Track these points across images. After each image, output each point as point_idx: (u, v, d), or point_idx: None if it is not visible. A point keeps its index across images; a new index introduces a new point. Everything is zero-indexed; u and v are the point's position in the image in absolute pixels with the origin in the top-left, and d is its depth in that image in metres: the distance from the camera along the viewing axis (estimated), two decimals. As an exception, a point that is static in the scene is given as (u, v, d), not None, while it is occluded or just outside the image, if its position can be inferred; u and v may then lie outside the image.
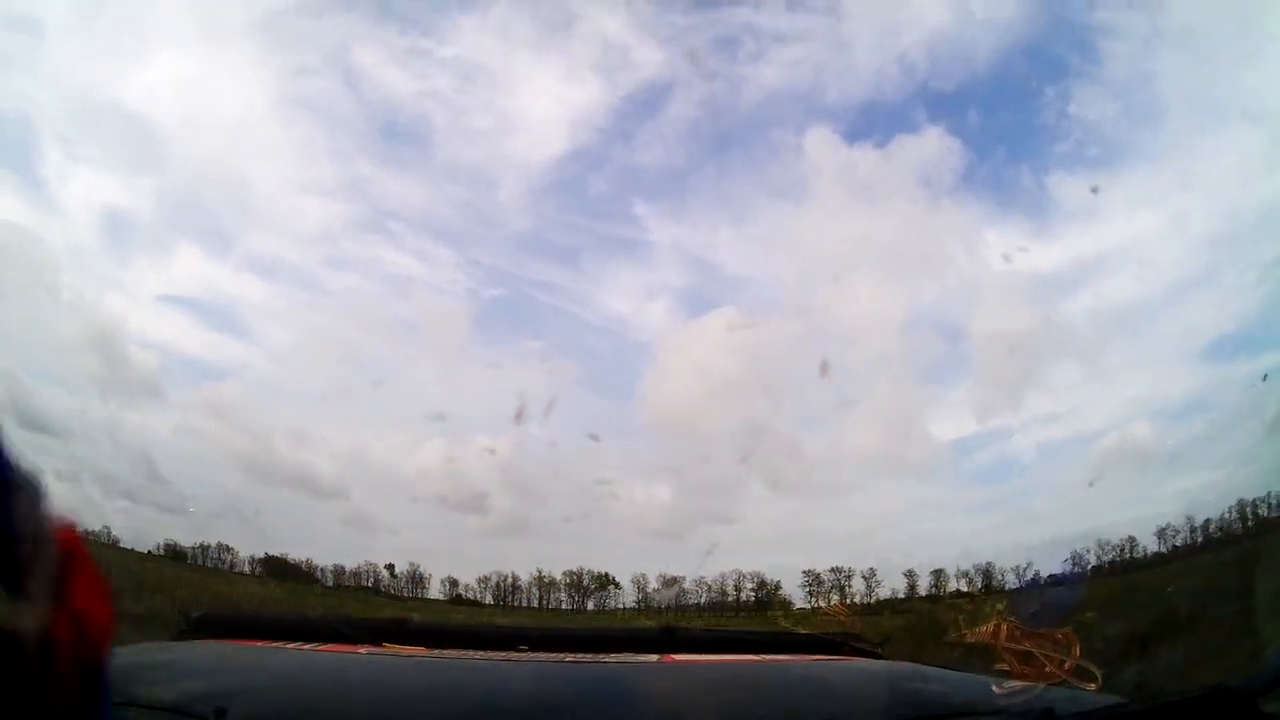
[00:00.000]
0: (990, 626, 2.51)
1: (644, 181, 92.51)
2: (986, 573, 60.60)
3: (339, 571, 70.82)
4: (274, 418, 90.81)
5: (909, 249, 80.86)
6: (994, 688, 2.15)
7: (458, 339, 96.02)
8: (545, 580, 71.21)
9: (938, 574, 60.76)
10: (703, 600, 68.07)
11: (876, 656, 2.81)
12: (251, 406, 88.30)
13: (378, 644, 2.80)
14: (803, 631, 3.12)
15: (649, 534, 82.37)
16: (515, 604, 70.04)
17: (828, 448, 75.80)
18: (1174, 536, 49.93)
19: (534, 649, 2.79)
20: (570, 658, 2.74)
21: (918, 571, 61.11)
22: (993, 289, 70.16)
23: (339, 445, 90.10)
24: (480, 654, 2.75)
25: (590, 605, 69.37)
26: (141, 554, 63.53)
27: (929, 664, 3.01)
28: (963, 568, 59.42)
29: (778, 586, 64.98)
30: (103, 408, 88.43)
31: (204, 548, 68.86)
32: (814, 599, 62.62)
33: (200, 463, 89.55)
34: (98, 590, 1.41)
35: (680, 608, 67.40)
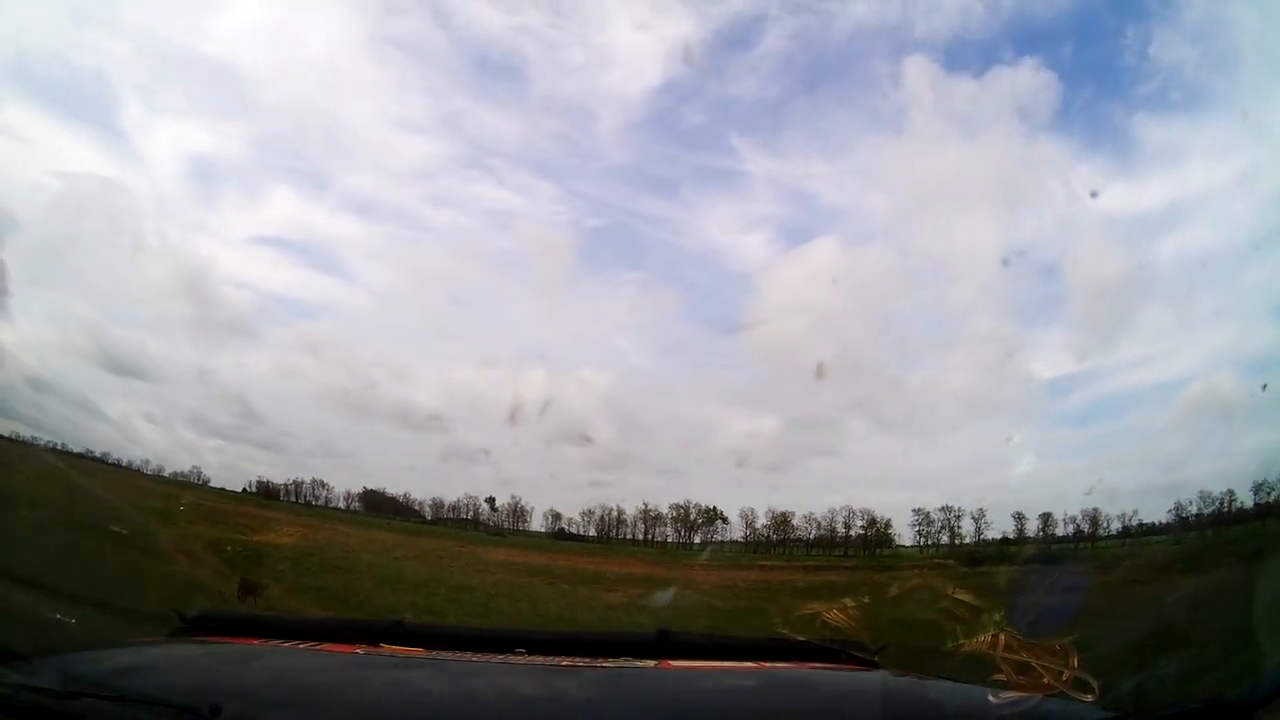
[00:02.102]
0: (988, 636, 2.64)
1: (739, 114, 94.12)
2: (1093, 519, 62.36)
3: (438, 505, 75.04)
4: (372, 354, 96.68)
5: (1003, 183, 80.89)
6: (990, 698, 2.32)
7: (559, 270, 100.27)
8: (651, 514, 72.41)
9: (1045, 518, 62.40)
10: (811, 536, 69.57)
11: (873, 665, 2.98)
12: (349, 343, 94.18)
13: (374, 645, 3.03)
14: (799, 639, 3.29)
15: (754, 467, 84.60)
16: (619, 538, 71.96)
17: (928, 384, 78.77)
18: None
19: (531, 652, 3.00)
20: (567, 661, 2.95)
21: (1026, 514, 62.56)
22: (1084, 228, 70.00)
23: (439, 379, 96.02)
24: (477, 656, 2.97)
25: (697, 539, 70.81)
26: (233, 493, 68.56)
27: (925, 673, 3.19)
28: (1070, 513, 61.77)
29: (887, 524, 66.91)
30: (195, 350, 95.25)
31: (298, 484, 73.95)
32: (923, 538, 65.68)
33: (296, 400, 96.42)
34: None
35: (787, 543, 69.40)
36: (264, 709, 2.45)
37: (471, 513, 75.12)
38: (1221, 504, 52.69)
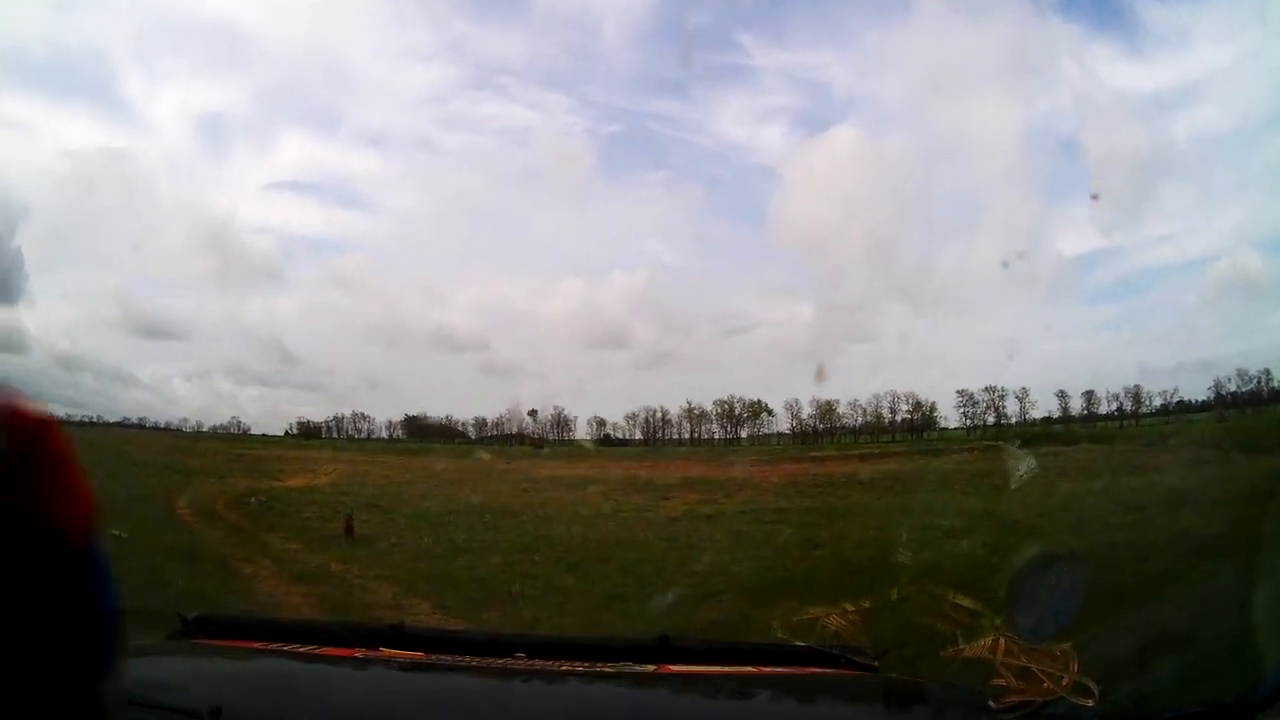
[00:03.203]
0: (988, 641, 2.73)
1: (744, 9, 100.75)
2: (1136, 396, 66.92)
3: (480, 424, 79.04)
4: (403, 282, 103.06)
5: (1014, 63, 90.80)
6: (990, 702, 2.44)
7: (582, 179, 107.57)
8: (695, 412, 75.82)
9: (1088, 395, 66.85)
10: (858, 423, 72.61)
11: (873, 669, 3.09)
12: (378, 274, 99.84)
13: (374, 648, 3.16)
14: (799, 644, 3.42)
15: (794, 356, 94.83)
16: (665, 439, 75.50)
17: (959, 264, 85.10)
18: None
19: (530, 656, 3.14)
20: (566, 666, 3.08)
21: (1068, 392, 66.96)
22: (1100, 106, 77.78)
23: (472, 299, 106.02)
24: (476, 660, 3.10)
25: (743, 434, 74.47)
26: (274, 438, 71.24)
27: (926, 677, 3.34)
28: (1111, 390, 66.01)
29: (932, 408, 70.23)
30: (225, 302, 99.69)
31: (338, 420, 79.75)
32: (969, 420, 68.79)
33: (331, 337, 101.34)
34: (70, 476, 1.71)
35: (833, 432, 72.11)
36: (263, 712, 2.60)
37: (515, 428, 78.40)
38: (1259, 382, 57.42)
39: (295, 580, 15.04)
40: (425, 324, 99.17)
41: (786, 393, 73.66)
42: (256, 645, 3.28)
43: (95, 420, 74.79)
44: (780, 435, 73.13)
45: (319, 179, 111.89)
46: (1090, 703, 2.40)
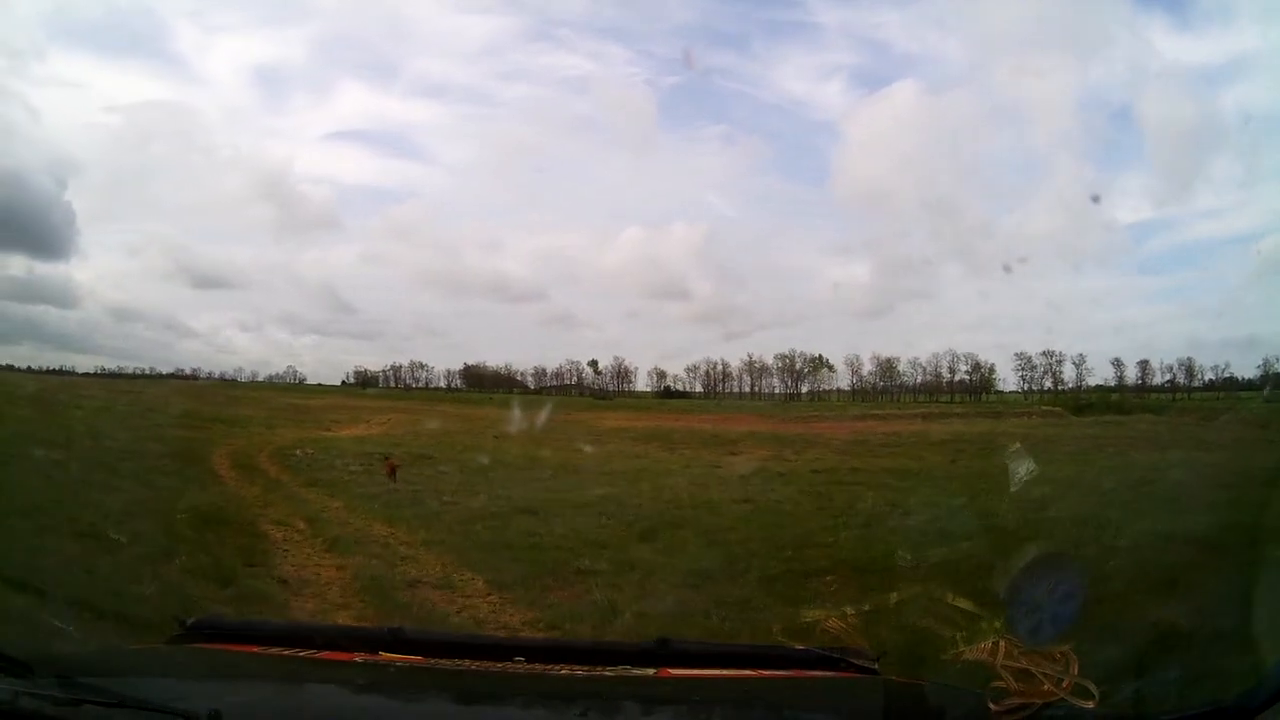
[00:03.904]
0: (988, 643, 2.81)
1: None
2: (1189, 369, 69.14)
3: (540, 374, 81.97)
4: (461, 231, 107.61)
5: (1070, 29, 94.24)
6: (990, 704, 2.54)
7: (641, 130, 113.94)
8: (756, 366, 77.97)
9: (1143, 365, 69.09)
10: (917, 381, 75.09)
11: (873, 672, 3.21)
12: (436, 223, 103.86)
13: (373, 653, 3.34)
14: (798, 647, 3.53)
15: (853, 313, 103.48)
16: (725, 392, 78.16)
17: (1015, 227, 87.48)
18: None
19: (530, 660, 3.30)
20: (566, 670, 3.26)
21: (1124, 361, 69.45)
22: (1156, 77, 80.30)
23: (532, 248, 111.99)
24: (475, 664, 3.29)
25: (804, 389, 76.62)
26: (330, 387, 74.42)
27: (926, 680, 3.44)
28: (1165, 361, 68.65)
29: (991, 369, 72.29)
30: (281, 251, 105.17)
31: (396, 369, 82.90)
32: (1026, 384, 71.23)
33: (388, 286, 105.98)
34: None
35: (895, 389, 74.90)
36: (262, 717, 2.77)
37: (575, 378, 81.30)
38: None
39: (329, 548, 13.86)
40: (483, 273, 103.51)
41: (845, 349, 77.24)
42: (255, 650, 3.47)
43: (148, 372, 78.22)
44: (839, 391, 75.57)
45: (377, 129, 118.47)
46: (1090, 705, 2.50)
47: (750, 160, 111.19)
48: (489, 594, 11.26)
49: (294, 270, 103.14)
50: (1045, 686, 2.54)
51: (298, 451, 28.26)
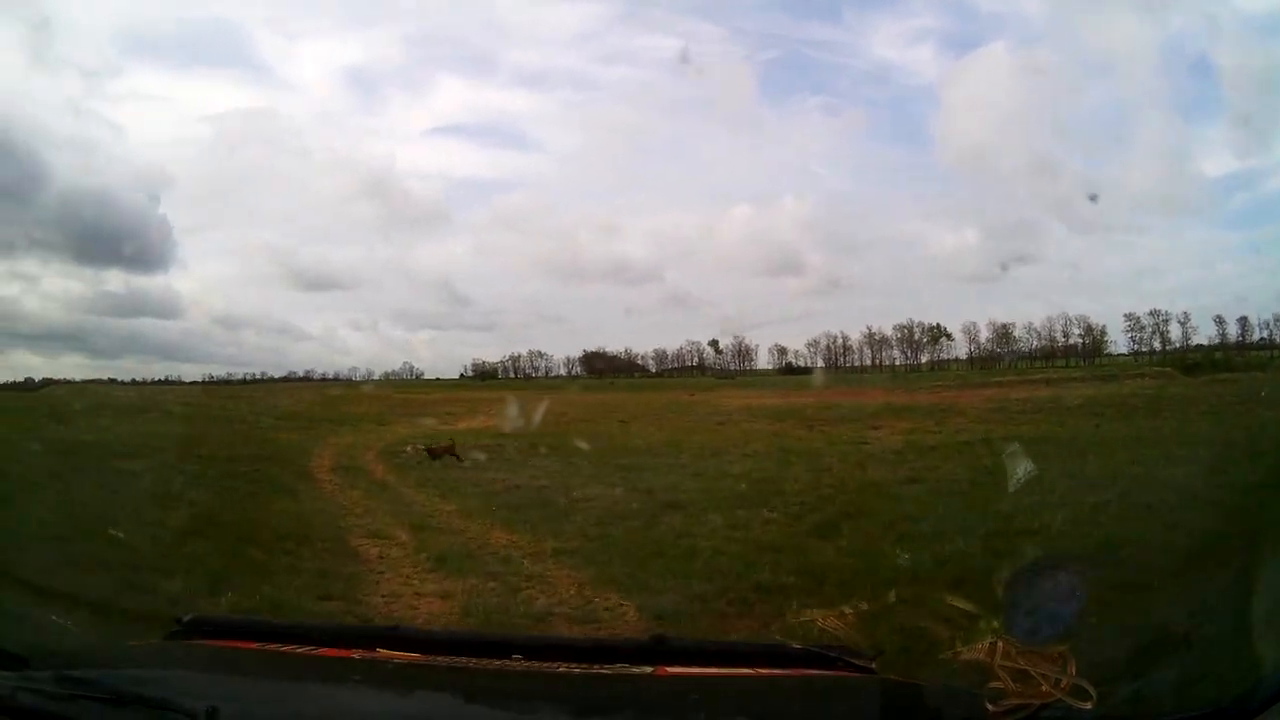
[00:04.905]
0: (985, 643, 2.87)
1: None
2: None
3: (661, 356, 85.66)
4: (572, 217, 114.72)
5: None
6: (988, 705, 2.66)
7: (743, 106, 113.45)
8: (875, 337, 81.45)
9: (1243, 322, 69.96)
10: (1033, 346, 77.95)
11: (870, 671, 3.34)
12: (546, 210, 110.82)
13: (371, 649, 3.57)
14: (796, 645, 3.64)
15: (962, 279, 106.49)
16: (846, 365, 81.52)
17: (1112, 184, 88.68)
18: None
19: (527, 658, 3.52)
20: (563, 667, 3.47)
21: (1225, 318, 70.41)
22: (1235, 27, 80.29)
23: (643, 230, 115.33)
24: (473, 661, 3.51)
25: (923, 359, 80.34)
26: (447, 381, 77.86)
27: (922, 679, 3.59)
28: (1262, 317, 69.12)
29: (1103, 331, 75.43)
30: (392, 248, 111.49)
31: (515, 359, 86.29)
32: (1136, 345, 73.63)
33: (503, 277, 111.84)
34: None
35: (1010, 356, 77.73)
36: (259, 714, 3.01)
37: (696, 359, 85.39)
38: None
39: (435, 566, 12.53)
40: (597, 258, 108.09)
41: (953, 316, 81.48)
42: (253, 646, 3.75)
43: (259, 376, 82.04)
44: (956, 361, 79.21)
45: (478, 121, 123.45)
46: (1088, 705, 2.56)
47: (852, 130, 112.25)
48: (639, 621, 9.79)
49: (406, 266, 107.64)
50: (1043, 687, 2.62)
51: (408, 448, 27.58)
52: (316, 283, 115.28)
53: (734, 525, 14.34)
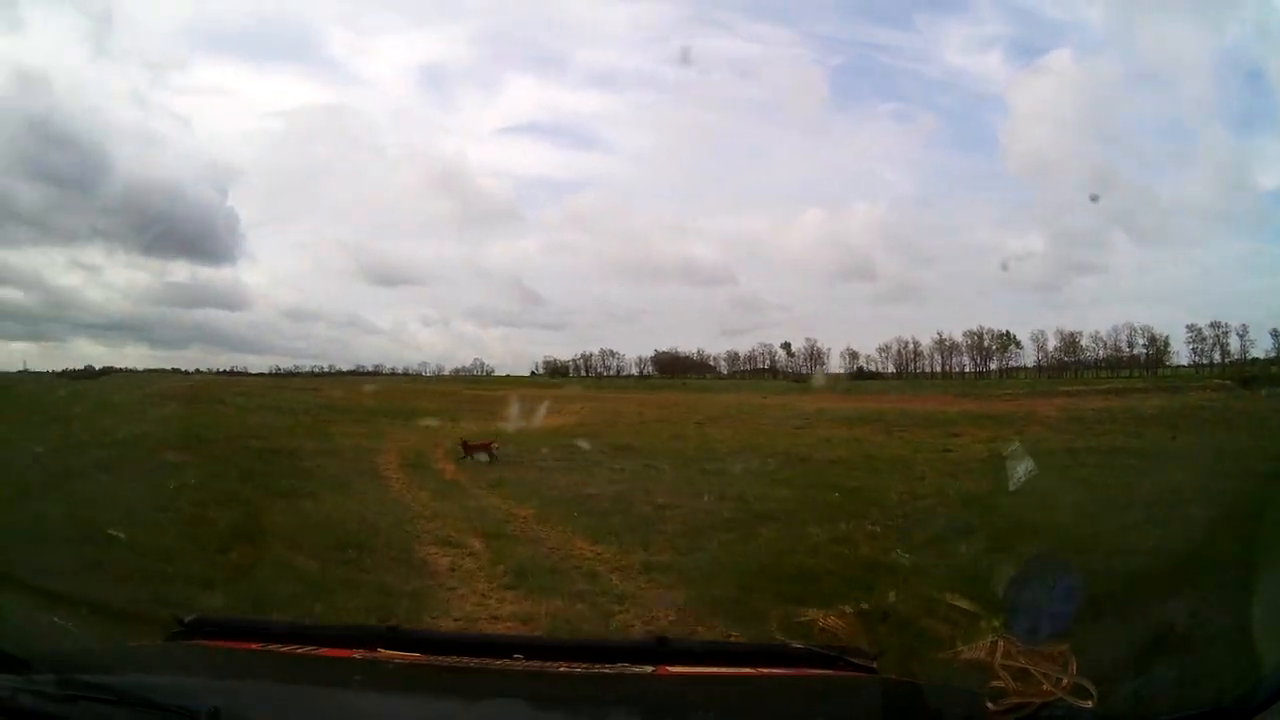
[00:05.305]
0: (986, 643, 2.96)
1: None
2: None
3: (732, 358, 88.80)
4: (644, 218, 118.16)
5: None
6: (988, 704, 2.70)
7: (815, 110, 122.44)
8: (946, 344, 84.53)
9: None
10: (1100, 355, 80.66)
11: (871, 671, 3.38)
12: (617, 210, 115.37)
13: (372, 649, 3.68)
14: (797, 645, 3.75)
15: (1029, 287, 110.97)
16: (917, 371, 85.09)
17: (1173, 195, 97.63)
18: None
19: (528, 658, 3.62)
20: (564, 667, 3.56)
21: None
22: None
23: (715, 232, 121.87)
24: (474, 661, 3.62)
25: (993, 366, 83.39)
26: (519, 378, 79.80)
27: (923, 678, 3.62)
28: None
29: (1166, 342, 77.39)
30: (464, 246, 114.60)
31: (586, 358, 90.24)
32: (1198, 356, 75.77)
33: (575, 276, 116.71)
34: None
35: (1076, 365, 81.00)
36: (261, 714, 3.09)
37: (768, 361, 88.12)
38: None
39: (512, 583, 11.69)
40: (668, 259, 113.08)
41: (1020, 324, 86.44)
42: (254, 647, 3.86)
43: (327, 369, 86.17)
44: (1024, 368, 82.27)
45: (551, 121, 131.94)
46: (1089, 704, 2.66)
47: (922, 136, 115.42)
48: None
49: (478, 263, 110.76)
50: (1043, 686, 2.72)
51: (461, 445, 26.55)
52: (387, 278, 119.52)
53: (837, 540, 13.33)
